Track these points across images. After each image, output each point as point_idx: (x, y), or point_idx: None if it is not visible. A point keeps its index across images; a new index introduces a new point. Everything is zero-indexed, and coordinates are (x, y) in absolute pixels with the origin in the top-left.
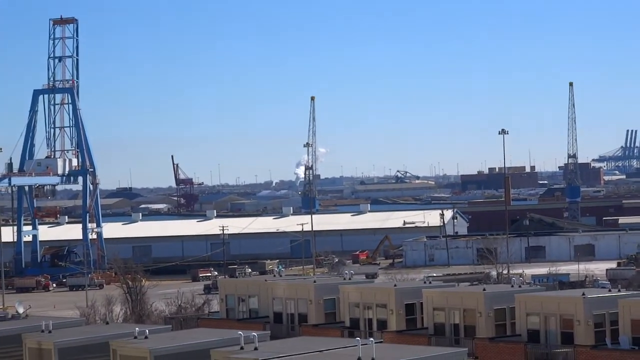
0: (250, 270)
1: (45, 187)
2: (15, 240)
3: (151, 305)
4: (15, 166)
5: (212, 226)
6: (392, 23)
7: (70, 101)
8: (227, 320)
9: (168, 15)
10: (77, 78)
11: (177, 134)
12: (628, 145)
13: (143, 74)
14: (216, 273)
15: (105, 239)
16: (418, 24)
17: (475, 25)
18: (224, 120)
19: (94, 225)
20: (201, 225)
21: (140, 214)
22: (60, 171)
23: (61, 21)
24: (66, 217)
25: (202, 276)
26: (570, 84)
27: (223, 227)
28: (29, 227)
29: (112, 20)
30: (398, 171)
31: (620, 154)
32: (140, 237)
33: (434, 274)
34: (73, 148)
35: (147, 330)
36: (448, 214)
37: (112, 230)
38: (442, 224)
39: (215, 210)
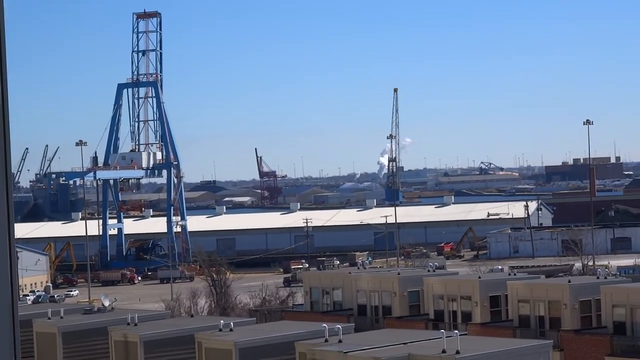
0: (338, 262)
1: (130, 181)
2: (101, 233)
3: (235, 298)
4: (100, 160)
5: (295, 219)
6: (466, 10)
7: (154, 95)
8: (311, 313)
9: (254, 8)
10: (161, 72)
11: (261, 127)
12: None
13: (227, 67)
14: (307, 265)
15: (189, 232)
16: (493, 13)
17: (557, 15)
18: (307, 113)
19: (179, 218)
20: (285, 218)
21: (224, 207)
22: (144, 165)
23: (144, 15)
24: (151, 210)
25: (293, 268)
26: None
27: (307, 219)
28: (114, 221)
29: (196, 13)
30: (482, 162)
31: None
32: (224, 230)
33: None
34: (157, 142)
35: (231, 323)
36: (532, 205)
37: (197, 223)
38: (526, 216)
39: (298, 203)
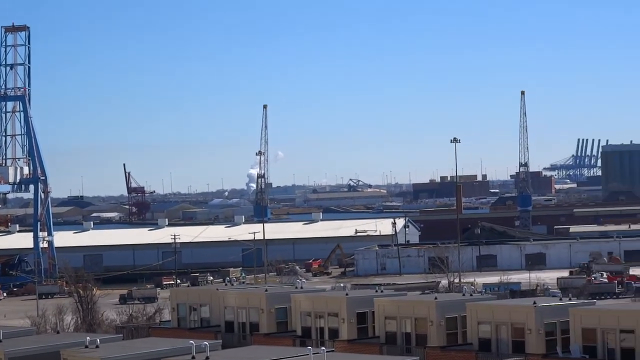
0: (212, 278)
1: None
2: None
3: (102, 314)
4: None
5: (163, 235)
6: (345, 34)
7: (21, 109)
8: (178, 330)
9: (123, 22)
10: (29, 85)
11: (129, 142)
12: (579, 154)
13: (95, 82)
14: (179, 281)
15: (56, 247)
16: (370, 34)
17: (425, 33)
18: (176, 129)
19: (45, 234)
20: (153, 234)
21: (92, 222)
22: (11, 179)
23: (13, 29)
24: (17, 225)
25: (165, 284)
26: (522, 93)
27: (174, 235)
28: None
29: (64, 27)
30: (350, 180)
31: (571, 163)
32: (91, 245)
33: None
34: (24, 156)
35: (98, 340)
36: (400, 222)
37: (64, 239)
38: (394, 233)
39: (166, 219)
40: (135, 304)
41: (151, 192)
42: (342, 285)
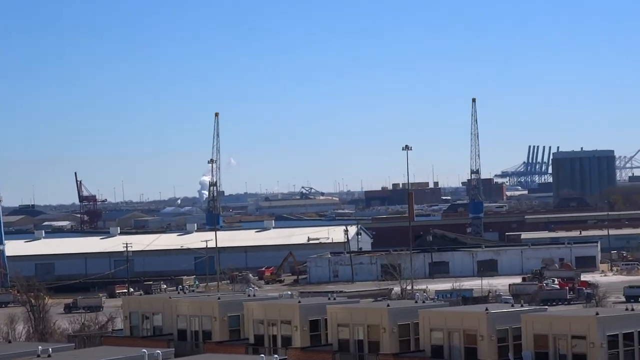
0: (165, 286)
1: None
2: None
3: (54, 323)
4: None
5: (115, 243)
6: (297, 39)
7: None
8: (131, 338)
9: (67, 29)
10: None
11: (80, 151)
12: (530, 161)
13: (46, 92)
14: (132, 290)
15: (7, 256)
16: (323, 39)
17: (377, 41)
18: (128, 137)
19: None
20: (104, 243)
21: (43, 231)
22: None
23: None
24: None
25: (118, 292)
26: (473, 100)
27: (126, 244)
28: None
29: (13, 35)
30: (302, 187)
31: (522, 170)
32: (43, 254)
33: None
34: None
35: (50, 349)
36: (352, 230)
37: (15, 247)
38: (346, 240)
39: (118, 227)
40: (80, 313)
41: (103, 201)
42: (289, 293)
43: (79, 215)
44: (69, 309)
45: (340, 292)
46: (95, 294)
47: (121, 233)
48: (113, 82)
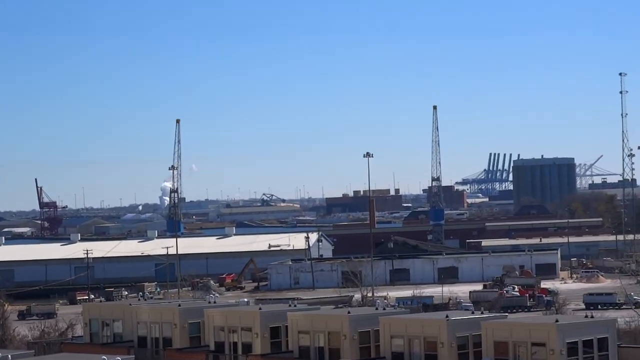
0: (126, 292)
1: None
2: None
3: (14, 330)
4: None
5: (76, 250)
6: (256, 46)
7: None
8: (91, 345)
9: (27, 27)
10: None
11: (40, 157)
12: (491, 168)
13: (6, 98)
14: (92, 296)
15: None
16: (283, 46)
17: (337, 46)
18: (88, 143)
19: None
20: (65, 249)
21: (3, 237)
22: None
23: None
24: None
25: (79, 299)
26: (434, 107)
27: (87, 250)
28: None
29: None
30: (263, 194)
31: (483, 177)
32: (2, 261)
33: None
34: None
35: (9, 356)
36: (313, 237)
37: None
38: (307, 247)
39: (79, 234)
40: (33, 320)
41: (63, 207)
42: (245, 300)
43: (39, 222)
44: (22, 316)
45: (301, 299)
46: (50, 301)
47: (82, 239)
48: (72, 87)
